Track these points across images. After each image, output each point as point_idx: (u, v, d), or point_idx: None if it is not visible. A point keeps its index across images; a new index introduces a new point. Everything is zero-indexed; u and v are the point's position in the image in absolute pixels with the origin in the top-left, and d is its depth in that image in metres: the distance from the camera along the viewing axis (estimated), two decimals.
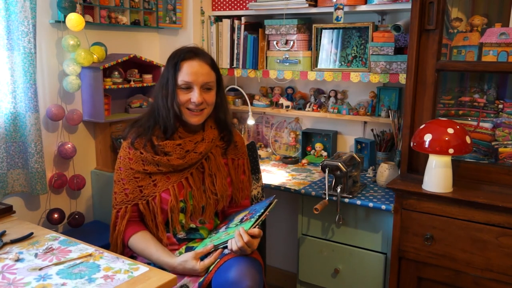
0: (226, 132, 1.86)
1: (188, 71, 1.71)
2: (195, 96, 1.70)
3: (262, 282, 1.59)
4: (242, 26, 2.73)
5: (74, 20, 2.22)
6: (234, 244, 1.57)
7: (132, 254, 1.77)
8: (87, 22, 2.34)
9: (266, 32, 2.67)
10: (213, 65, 1.78)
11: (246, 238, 1.56)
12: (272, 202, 1.69)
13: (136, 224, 1.75)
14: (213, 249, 1.65)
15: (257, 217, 1.63)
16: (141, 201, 1.72)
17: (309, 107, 2.68)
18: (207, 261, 1.61)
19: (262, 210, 1.65)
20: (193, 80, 1.71)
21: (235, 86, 2.87)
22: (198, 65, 1.72)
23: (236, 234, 1.58)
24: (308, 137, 2.76)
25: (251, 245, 1.57)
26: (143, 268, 1.41)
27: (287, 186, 2.27)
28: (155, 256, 1.66)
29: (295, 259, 2.38)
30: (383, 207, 1.99)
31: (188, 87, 1.72)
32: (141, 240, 1.71)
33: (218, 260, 1.60)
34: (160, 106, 1.74)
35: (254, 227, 1.60)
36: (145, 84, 2.61)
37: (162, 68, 2.57)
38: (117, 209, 1.74)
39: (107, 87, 2.40)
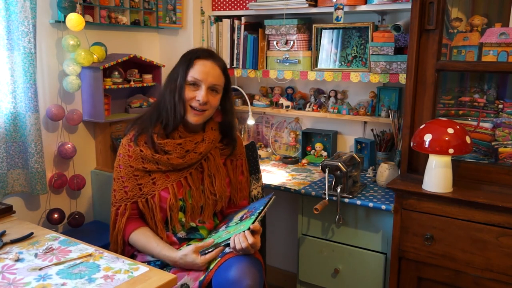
0: (230, 139, 1.86)
1: (200, 69, 1.72)
2: (201, 94, 1.71)
3: (262, 281, 1.59)
4: (242, 26, 2.73)
5: (74, 20, 2.22)
6: (238, 243, 1.57)
7: (133, 253, 1.77)
8: (87, 22, 2.34)
9: (266, 32, 2.67)
10: (225, 71, 1.79)
11: (251, 240, 1.56)
12: (270, 199, 1.69)
13: (135, 221, 1.75)
14: (212, 245, 1.65)
15: (257, 214, 1.63)
16: (140, 199, 1.72)
17: (309, 107, 2.68)
18: (208, 255, 1.62)
19: (262, 208, 1.66)
20: (202, 78, 1.72)
21: (235, 86, 2.86)
22: (211, 65, 1.74)
23: (241, 235, 1.58)
24: (308, 137, 2.76)
25: (254, 246, 1.58)
26: (143, 268, 1.41)
27: (287, 186, 2.27)
28: (157, 250, 1.67)
29: (295, 259, 2.38)
30: (383, 207, 1.99)
31: (196, 85, 1.73)
32: (141, 236, 1.71)
33: (219, 259, 1.61)
34: (166, 100, 1.75)
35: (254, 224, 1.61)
36: (145, 84, 2.61)
37: (162, 68, 2.60)
38: (117, 207, 1.74)
39: (107, 87, 2.40)
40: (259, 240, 1.61)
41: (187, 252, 1.62)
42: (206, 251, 1.64)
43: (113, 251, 1.68)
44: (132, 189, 1.73)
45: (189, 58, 1.75)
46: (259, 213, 1.64)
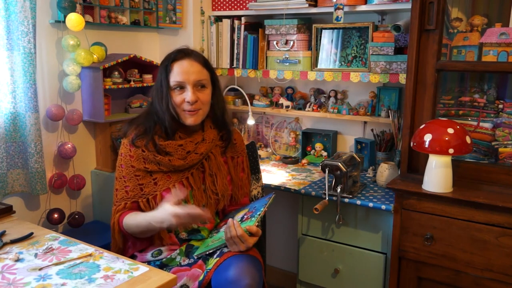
0: (225, 132, 1.86)
1: (179, 71, 1.71)
2: (188, 95, 1.70)
3: (261, 281, 1.59)
4: (242, 26, 2.73)
5: (74, 20, 2.22)
6: (227, 233, 1.60)
7: (133, 254, 1.77)
8: (87, 22, 2.34)
9: (266, 32, 2.67)
10: (206, 64, 1.77)
11: (239, 231, 1.58)
12: (270, 198, 1.69)
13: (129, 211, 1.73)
14: (213, 247, 1.66)
15: (257, 216, 1.63)
16: (141, 199, 1.72)
17: (309, 107, 2.68)
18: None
19: (262, 209, 1.66)
20: (184, 79, 1.71)
21: (235, 86, 2.87)
22: (188, 64, 1.72)
23: (229, 224, 1.60)
24: (308, 137, 2.76)
25: (245, 241, 1.58)
26: (143, 268, 1.41)
27: (287, 186, 2.27)
28: (147, 218, 1.62)
29: (295, 259, 2.38)
30: (383, 207, 1.99)
31: (181, 87, 1.72)
32: (131, 215, 1.68)
33: (218, 258, 1.61)
34: (157, 109, 1.74)
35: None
36: (145, 84, 2.61)
37: None
38: (117, 206, 1.73)
39: (107, 87, 2.40)
40: (254, 241, 1.62)
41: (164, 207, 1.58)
42: (206, 253, 1.67)
43: (113, 251, 1.68)
44: (133, 189, 1.73)
45: (166, 64, 1.74)
46: (259, 215, 1.64)
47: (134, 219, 1.67)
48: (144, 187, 1.73)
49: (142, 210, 1.73)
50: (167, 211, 1.55)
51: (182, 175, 1.75)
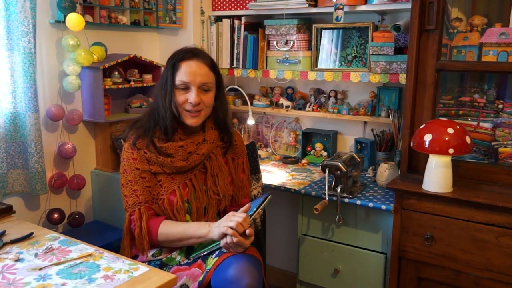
0: (226, 134, 1.86)
1: (186, 71, 1.71)
2: (192, 96, 1.70)
3: (261, 280, 1.59)
4: (242, 26, 2.73)
5: (74, 20, 2.22)
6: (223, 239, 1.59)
7: (136, 253, 1.76)
8: (87, 22, 2.34)
9: (266, 32, 2.67)
10: (213, 67, 1.77)
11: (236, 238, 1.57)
12: (266, 199, 1.69)
13: (154, 217, 1.73)
14: (210, 247, 1.66)
15: (249, 216, 1.63)
16: (153, 205, 1.71)
17: (309, 107, 2.68)
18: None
19: (255, 209, 1.66)
20: (190, 80, 1.70)
21: (235, 86, 2.87)
22: (196, 65, 1.72)
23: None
24: (308, 137, 2.76)
25: (241, 243, 1.58)
26: (143, 268, 1.41)
27: (287, 186, 2.27)
28: (187, 233, 1.67)
29: (295, 259, 2.38)
30: (383, 207, 1.99)
31: (186, 87, 1.71)
32: (171, 223, 1.69)
33: (217, 258, 1.61)
34: (159, 106, 1.74)
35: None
36: (145, 84, 2.61)
37: (162, 68, 2.59)
38: (130, 212, 1.71)
39: (107, 87, 2.40)
40: (250, 241, 1.62)
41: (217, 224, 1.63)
42: (201, 254, 1.66)
43: (128, 256, 1.68)
44: (142, 192, 1.71)
45: (174, 62, 1.73)
46: (251, 215, 1.64)
47: (175, 231, 1.68)
48: (152, 190, 1.72)
49: (156, 214, 1.73)
50: (219, 229, 1.59)
51: (186, 177, 1.75)
